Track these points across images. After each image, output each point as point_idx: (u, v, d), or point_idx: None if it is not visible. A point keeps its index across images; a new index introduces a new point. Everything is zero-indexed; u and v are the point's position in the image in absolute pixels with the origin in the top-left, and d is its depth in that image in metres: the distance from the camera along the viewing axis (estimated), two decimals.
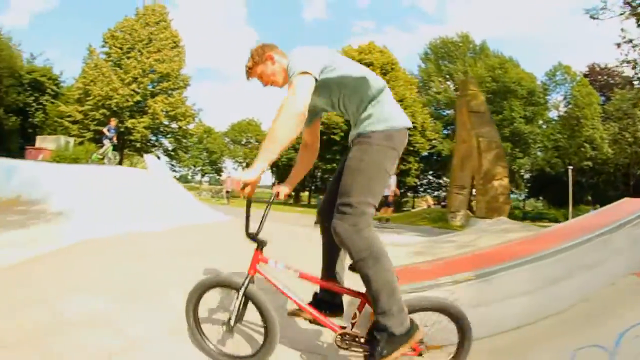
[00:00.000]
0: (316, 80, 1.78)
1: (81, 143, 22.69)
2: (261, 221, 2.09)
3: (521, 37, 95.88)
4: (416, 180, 42.28)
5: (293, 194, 59.94)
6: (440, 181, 46.51)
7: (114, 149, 15.52)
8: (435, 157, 42.21)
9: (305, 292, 2.20)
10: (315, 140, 2.43)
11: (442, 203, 27.64)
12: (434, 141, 38.23)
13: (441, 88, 42.21)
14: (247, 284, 2.08)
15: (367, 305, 2.00)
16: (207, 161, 58.02)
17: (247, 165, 58.66)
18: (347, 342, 1.97)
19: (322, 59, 1.87)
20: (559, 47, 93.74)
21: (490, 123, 16.43)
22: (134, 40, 30.75)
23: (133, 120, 28.77)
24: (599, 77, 39.60)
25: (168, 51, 31.22)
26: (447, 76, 43.18)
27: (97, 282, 3.24)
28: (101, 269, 3.71)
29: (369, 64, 35.27)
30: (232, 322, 2.13)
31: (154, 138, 32.93)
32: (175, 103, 31.00)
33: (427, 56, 45.53)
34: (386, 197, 13.49)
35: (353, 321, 2.04)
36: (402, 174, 37.45)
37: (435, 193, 47.06)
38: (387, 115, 1.90)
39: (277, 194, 2.29)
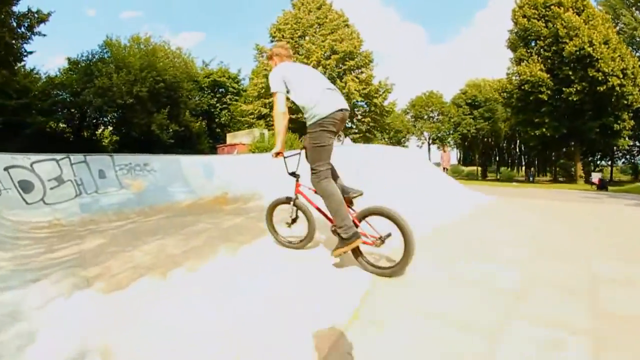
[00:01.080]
0: (285, 91, 3.59)
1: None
2: (297, 165, 4.09)
3: None
4: (629, 142, 35.96)
5: (479, 168, 59.36)
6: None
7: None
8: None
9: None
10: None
11: None
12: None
13: (632, 20, 34.74)
14: (295, 199, 4.24)
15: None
16: (394, 140, 56.72)
17: (434, 141, 59.96)
18: (334, 231, 3.57)
19: (281, 79, 3.56)
20: None
21: None
22: (303, 27, 31.96)
23: None
24: None
25: (342, 30, 31.46)
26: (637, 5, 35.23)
27: None
28: None
29: (558, 5, 31.55)
30: (290, 222, 4.31)
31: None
32: (366, 80, 30.83)
33: None
34: None
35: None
36: (612, 135, 32.17)
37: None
38: (315, 113, 3.39)
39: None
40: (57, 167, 8.46)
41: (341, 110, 3.41)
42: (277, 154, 3.79)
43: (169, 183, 9.85)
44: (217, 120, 35.19)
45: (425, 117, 60.13)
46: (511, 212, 8.68)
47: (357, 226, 3.47)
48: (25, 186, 7.71)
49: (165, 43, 29.08)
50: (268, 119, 29.64)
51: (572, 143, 36.32)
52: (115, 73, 22.80)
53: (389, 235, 3.34)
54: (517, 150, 56.96)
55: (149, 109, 23.78)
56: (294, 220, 4.28)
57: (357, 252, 3.55)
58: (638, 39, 34.32)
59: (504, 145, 58.60)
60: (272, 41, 33.32)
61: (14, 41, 16.74)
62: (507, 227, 6.57)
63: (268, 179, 9.65)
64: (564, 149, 39.09)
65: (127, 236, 5.65)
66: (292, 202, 4.25)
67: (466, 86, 55.39)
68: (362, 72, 32.40)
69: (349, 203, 3.70)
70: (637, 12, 35.50)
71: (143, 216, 7.72)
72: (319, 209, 4.00)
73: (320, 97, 3.37)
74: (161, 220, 7.22)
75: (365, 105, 32.11)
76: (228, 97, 36.44)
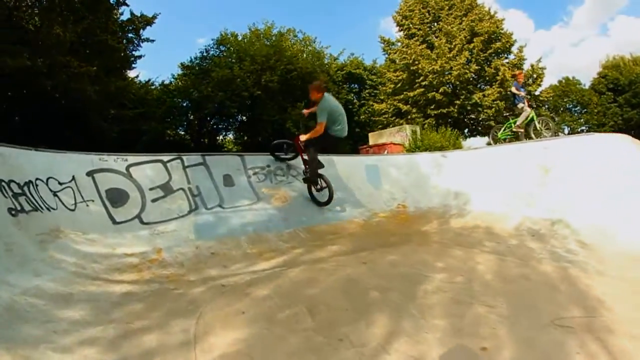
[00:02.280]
0: (325, 123, 6.07)
1: (436, 129, 19.73)
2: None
3: None
4: None
5: None
6: None
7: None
8: None
9: None
10: None
11: None
12: None
13: None
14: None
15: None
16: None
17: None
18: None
19: (326, 111, 6.03)
20: None
21: None
22: (434, 10, 28.95)
23: (479, 94, 25.14)
24: None
25: (478, 9, 28.11)
26: None
27: None
28: None
29: None
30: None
31: (521, 105, 28.50)
32: (517, 64, 26.44)
33: None
34: None
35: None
36: None
37: None
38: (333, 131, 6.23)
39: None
40: (164, 171, 5.77)
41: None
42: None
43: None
44: (355, 118, 30.89)
45: (562, 109, 51.41)
46: None
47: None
48: (116, 197, 5.03)
49: (291, 31, 26.04)
50: (409, 116, 26.71)
51: None
52: (237, 63, 20.47)
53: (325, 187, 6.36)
54: None
55: (281, 103, 20.92)
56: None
57: (310, 190, 6.53)
58: None
59: None
60: (400, 30, 30.56)
61: (120, 45, 15.96)
62: None
63: (459, 184, 7.44)
64: None
65: (300, 316, 2.46)
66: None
67: (603, 68, 47.20)
68: (510, 54, 28.21)
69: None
70: None
71: (302, 248, 4.68)
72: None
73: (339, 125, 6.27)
74: (343, 260, 4.05)
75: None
76: (366, 91, 33.02)
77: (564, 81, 51.78)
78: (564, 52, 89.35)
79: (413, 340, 2.28)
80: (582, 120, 50.25)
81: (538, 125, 10.48)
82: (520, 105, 10.80)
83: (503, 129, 11.29)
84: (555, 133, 11.07)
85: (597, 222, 4.71)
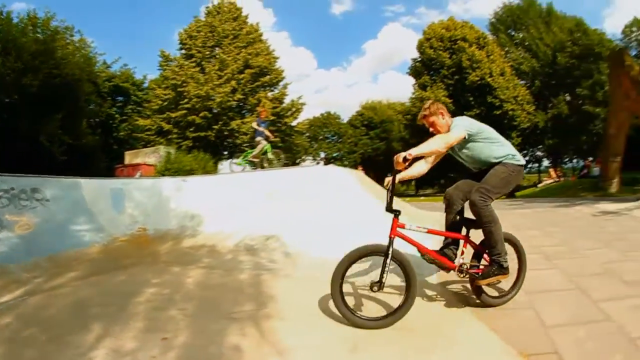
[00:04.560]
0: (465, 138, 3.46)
1: (189, 151, 20.52)
2: (392, 197, 3.24)
3: None
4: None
5: None
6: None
7: (273, 147, 13.17)
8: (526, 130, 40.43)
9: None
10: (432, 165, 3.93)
11: (582, 173, 27.97)
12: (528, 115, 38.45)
13: (522, 57, 42.73)
14: (391, 245, 3.00)
15: (468, 244, 3.47)
16: (289, 161, 56.53)
17: (329, 161, 57.06)
18: (464, 271, 3.33)
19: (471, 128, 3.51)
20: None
21: None
22: (218, 37, 30.77)
23: (237, 122, 27.61)
24: None
25: (258, 44, 31.20)
26: (523, 44, 44.17)
27: None
28: None
29: (463, 39, 36.95)
30: (382, 282, 3.03)
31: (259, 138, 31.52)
32: (279, 98, 30.29)
33: (495, 27, 45.94)
34: None
35: (462, 256, 3.42)
36: None
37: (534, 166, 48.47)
38: None
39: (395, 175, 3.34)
40: None
41: None
42: (404, 159, 3.06)
43: (71, 219, 7.09)
44: (114, 134, 30.12)
45: (321, 137, 61.36)
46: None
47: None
48: None
49: (69, 29, 23.17)
50: (169, 136, 27.05)
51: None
52: (1, 57, 17.22)
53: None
54: None
55: (37, 111, 17.93)
56: (384, 280, 3.05)
57: (480, 293, 3.40)
58: (523, 72, 42.40)
59: None
60: (181, 48, 31.44)
61: None
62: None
63: (196, 207, 7.95)
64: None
65: (35, 335, 3.31)
66: (387, 251, 3.02)
67: (362, 108, 58.78)
68: (274, 89, 32.38)
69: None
70: (522, 49, 44.11)
71: (43, 277, 5.15)
72: (430, 252, 3.35)
73: None
74: (79, 285, 4.87)
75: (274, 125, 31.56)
76: (130, 107, 32.07)
77: (325, 114, 62.24)
78: (337, 91, 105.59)
79: (117, 338, 3.10)
80: (336, 147, 60.72)
81: (271, 157, 12.31)
82: (258, 138, 12.42)
83: (242, 157, 12.96)
84: (285, 163, 13.41)
85: (303, 238, 5.76)
